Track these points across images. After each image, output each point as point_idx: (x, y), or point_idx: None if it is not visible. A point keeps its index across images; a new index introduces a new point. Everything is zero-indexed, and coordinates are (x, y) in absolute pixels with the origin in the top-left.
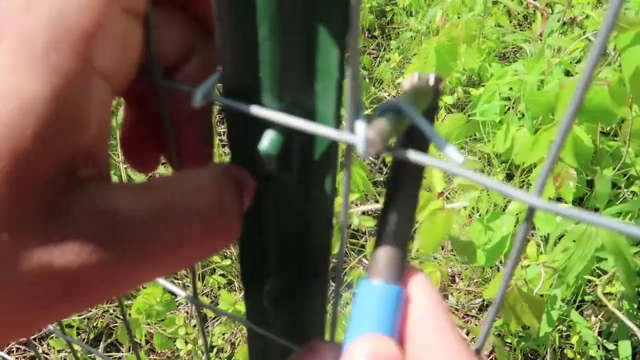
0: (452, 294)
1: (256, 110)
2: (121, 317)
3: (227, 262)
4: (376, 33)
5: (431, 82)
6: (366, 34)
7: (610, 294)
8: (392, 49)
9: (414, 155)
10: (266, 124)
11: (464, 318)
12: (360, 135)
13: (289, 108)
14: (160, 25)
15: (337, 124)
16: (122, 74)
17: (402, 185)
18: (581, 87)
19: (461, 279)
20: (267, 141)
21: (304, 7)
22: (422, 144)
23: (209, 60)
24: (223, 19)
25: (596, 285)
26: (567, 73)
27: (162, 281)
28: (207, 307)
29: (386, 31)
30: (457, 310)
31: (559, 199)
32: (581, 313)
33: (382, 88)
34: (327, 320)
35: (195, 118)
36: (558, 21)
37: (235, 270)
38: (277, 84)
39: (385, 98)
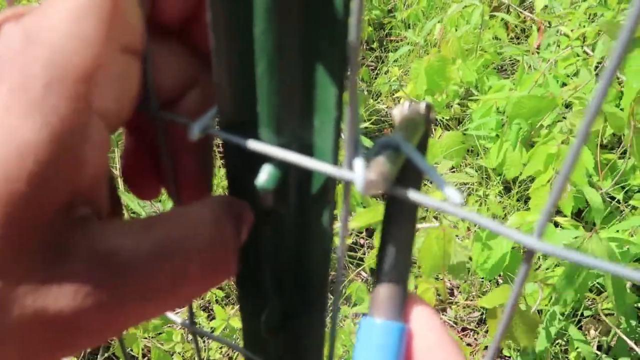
0: (450, 307)
1: (254, 145)
2: None
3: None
4: (374, 45)
5: (422, 110)
6: (365, 47)
7: (609, 309)
8: (390, 62)
9: (413, 195)
10: (264, 158)
11: (463, 331)
12: (358, 172)
13: (287, 143)
14: (159, 59)
15: (335, 159)
16: (120, 112)
17: (397, 220)
18: (589, 117)
19: (460, 292)
20: (265, 176)
21: (303, 45)
22: (416, 177)
23: (209, 92)
24: (220, 54)
25: (594, 299)
26: (563, 85)
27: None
28: (204, 334)
29: (384, 43)
30: (455, 323)
31: (558, 212)
32: (580, 327)
33: (381, 100)
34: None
35: (193, 149)
36: (556, 34)
37: (233, 283)
38: (275, 119)
39: (383, 110)
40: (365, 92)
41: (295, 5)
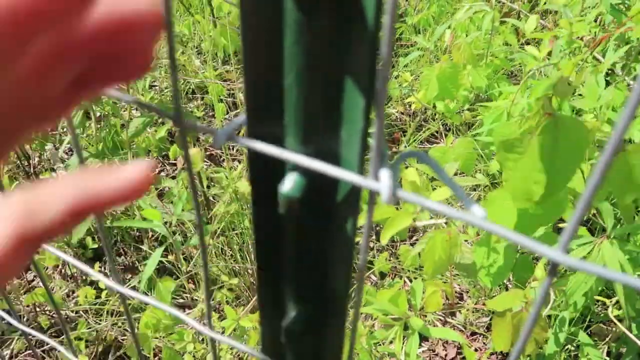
0: (459, 311)
1: (283, 153)
2: (129, 330)
3: (236, 280)
4: None
5: None
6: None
7: (619, 315)
8: (400, 67)
9: (431, 204)
10: (288, 166)
11: (472, 336)
12: (384, 183)
13: (313, 152)
14: None
15: (362, 169)
16: None
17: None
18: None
19: (469, 296)
20: (290, 184)
21: (332, 58)
22: None
23: None
24: (250, 65)
25: (604, 304)
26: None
27: (174, 311)
28: (224, 340)
29: (395, 48)
30: (464, 327)
31: (561, 221)
32: (590, 333)
33: (392, 105)
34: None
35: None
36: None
37: (244, 285)
38: (302, 129)
39: (394, 114)
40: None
41: (325, 17)
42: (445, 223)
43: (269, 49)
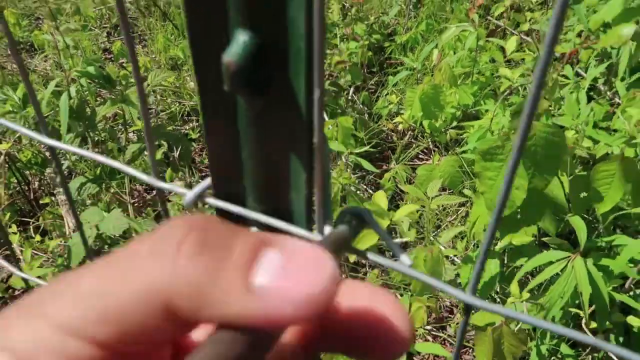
0: (450, 325)
1: (242, 211)
2: None
3: None
4: (375, 69)
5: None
6: (365, 70)
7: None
8: (390, 85)
9: (371, 256)
10: (249, 221)
11: (462, 349)
12: (327, 237)
13: (269, 210)
14: None
15: (309, 223)
16: None
17: None
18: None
19: (459, 310)
20: None
21: (277, 139)
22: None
23: None
24: (213, 140)
25: (592, 315)
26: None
27: None
28: None
29: (385, 67)
30: (454, 340)
31: (545, 235)
32: (574, 345)
33: (381, 123)
34: None
35: None
36: (556, 59)
37: None
38: (258, 192)
39: (384, 132)
40: (366, 116)
41: (268, 109)
42: (432, 242)
43: (227, 129)
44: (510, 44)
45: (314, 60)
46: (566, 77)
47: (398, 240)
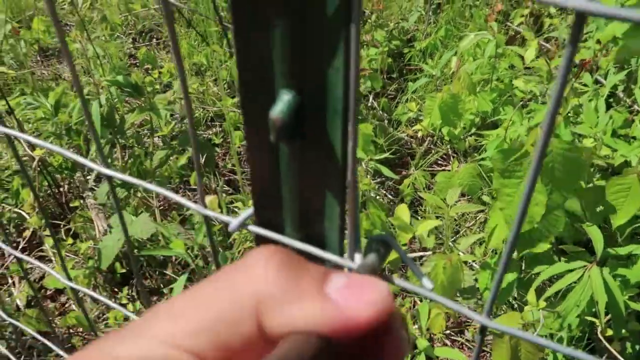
0: (467, 329)
1: (282, 238)
2: None
3: None
4: (394, 75)
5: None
6: (384, 76)
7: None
8: (409, 92)
9: (397, 281)
10: (288, 248)
11: (480, 354)
12: (357, 262)
13: (305, 238)
14: None
15: (341, 250)
16: None
17: None
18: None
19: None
20: None
21: (313, 179)
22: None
23: None
24: (257, 180)
25: (607, 322)
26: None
27: None
28: None
29: (404, 73)
30: (473, 345)
31: (562, 242)
32: (592, 351)
33: (400, 129)
34: None
35: None
36: (574, 66)
37: None
38: (295, 221)
39: (403, 139)
40: (385, 122)
41: (304, 153)
42: (450, 250)
43: (270, 169)
44: (530, 54)
45: (348, 117)
46: (585, 85)
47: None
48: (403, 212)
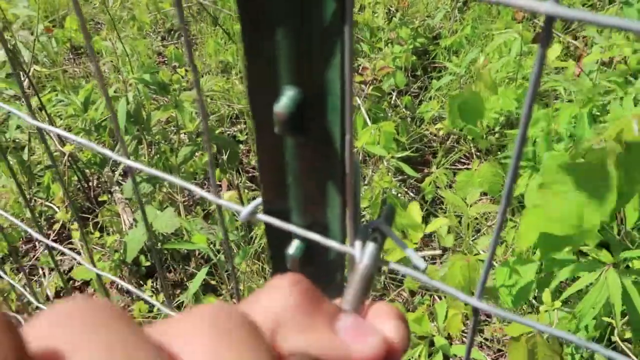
0: (485, 329)
1: (288, 226)
2: None
3: None
4: (419, 73)
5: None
6: (409, 74)
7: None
8: (433, 89)
9: (393, 265)
10: (293, 234)
11: (499, 352)
12: (357, 249)
13: (310, 225)
14: None
15: (343, 237)
16: None
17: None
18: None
19: (495, 315)
20: (293, 248)
21: (315, 169)
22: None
23: None
24: (264, 169)
25: (627, 324)
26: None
27: None
28: None
29: (429, 70)
30: (491, 344)
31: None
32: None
33: (423, 127)
34: None
35: None
36: (596, 62)
37: None
38: (300, 209)
39: (426, 137)
40: (408, 120)
41: (308, 144)
42: (468, 251)
43: (276, 160)
44: (554, 52)
45: (345, 112)
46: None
47: (430, 252)
48: (414, 210)
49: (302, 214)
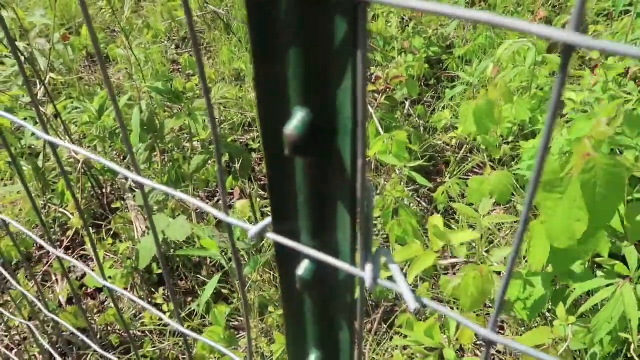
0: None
1: (298, 246)
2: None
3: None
4: (432, 82)
5: None
6: (422, 83)
7: None
8: (446, 99)
9: (404, 287)
10: (302, 255)
11: None
12: (367, 273)
13: (319, 245)
14: None
15: (353, 259)
16: None
17: None
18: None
19: (509, 326)
20: (302, 269)
21: (326, 190)
22: None
23: None
24: (275, 188)
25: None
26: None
27: (220, 347)
28: None
29: (442, 79)
30: (504, 356)
31: (597, 255)
32: None
33: (436, 136)
34: None
35: None
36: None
37: None
38: (311, 230)
39: (439, 145)
40: (421, 129)
41: (318, 165)
42: (481, 261)
43: (287, 181)
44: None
45: (358, 136)
46: (629, 94)
47: (452, 261)
48: (437, 221)
49: (312, 235)
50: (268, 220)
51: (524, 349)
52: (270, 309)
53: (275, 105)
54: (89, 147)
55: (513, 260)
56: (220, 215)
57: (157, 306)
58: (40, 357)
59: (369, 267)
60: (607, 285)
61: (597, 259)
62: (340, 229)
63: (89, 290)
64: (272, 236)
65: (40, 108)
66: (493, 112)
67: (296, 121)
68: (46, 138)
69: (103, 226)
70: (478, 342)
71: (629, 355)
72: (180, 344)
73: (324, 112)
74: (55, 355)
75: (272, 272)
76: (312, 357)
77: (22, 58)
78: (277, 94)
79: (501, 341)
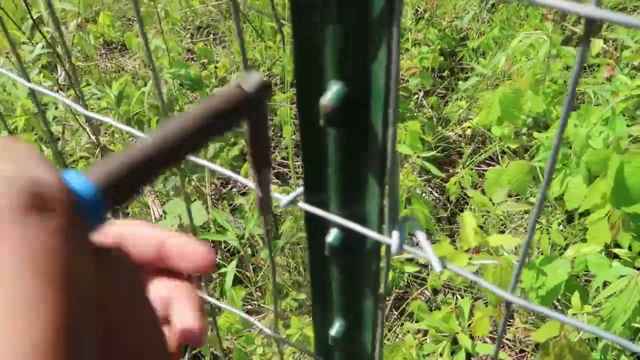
0: (509, 329)
1: (327, 215)
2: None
3: (303, 295)
4: (446, 74)
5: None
6: (435, 75)
7: None
8: (460, 90)
9: (425, 255)
10: (331, 224)
11: (521, 353)
12: (394, 240)
13: (348, 215)
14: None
15: (380, 227)
16: None
17: None
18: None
19: (519, 315)
20: (332, 237)
21: (356, 160)
22: None
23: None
24: (307, 158)
25: None
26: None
27: (242, 314)
28: (287, 342)
29: (455, 71)
30: (514, 344)
31: (617, 245)
32: (638, 358)
33: (449, 128)
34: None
35: None
36: (626, 65)
37: (306, 296)
38: (340, 200)
39: (452, 137)
40: (434, 120)
41: (350, 135)
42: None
43: (320, 151)
44: (595, 48)
45: (390, 106)
46: None
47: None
48: (469, 220)
49: (341, 204)
50: (299, 190)
51: (543, 309)
52: (292, 292)
53: (311, 78)
54: (106, 133)
55: (532, 226)
56: (250, 183)
57: None
58: None
59: (395, 233)
60: (621, 277)
61: (614, 249)
62: (369, 199)
63: None
64: (302, 205)
65: (62, 92)
66: (520, 101)
67: (331, 93)
68: (87, 113)
69: (120, 210)
70: (492, 332)
71: None
72: None
73: (358, 84)
74: None
75: (286, 258)
76: (336, 325)
77: (45, 43)
78: (314, 67)
79: (520, 302)
